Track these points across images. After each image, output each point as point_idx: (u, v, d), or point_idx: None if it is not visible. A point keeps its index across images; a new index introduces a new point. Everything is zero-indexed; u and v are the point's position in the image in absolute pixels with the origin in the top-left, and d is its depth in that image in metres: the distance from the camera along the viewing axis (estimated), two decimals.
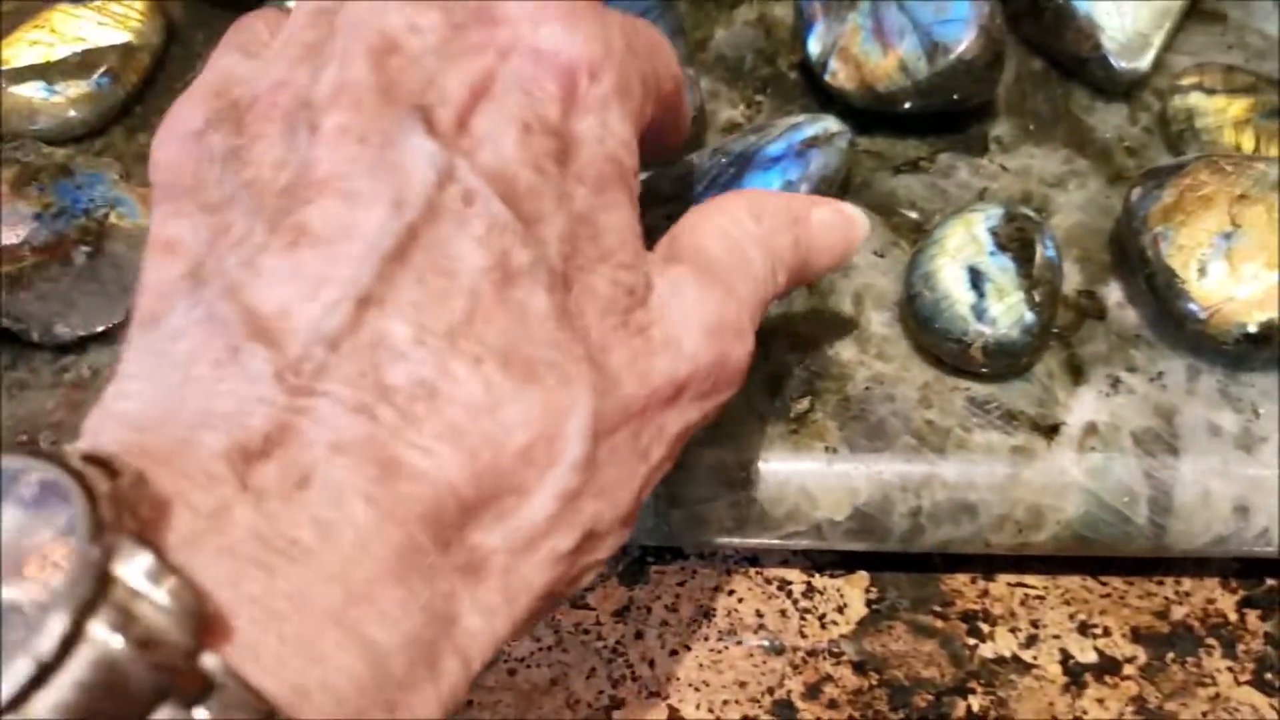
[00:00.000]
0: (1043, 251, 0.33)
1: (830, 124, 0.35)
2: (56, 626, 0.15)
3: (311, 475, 0.19)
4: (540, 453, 0.21)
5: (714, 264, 0.25)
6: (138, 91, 0.42)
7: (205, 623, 0.16)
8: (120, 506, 0.16)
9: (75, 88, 0.41)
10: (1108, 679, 0.31)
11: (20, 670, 0.14)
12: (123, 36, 0.42)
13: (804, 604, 0.33)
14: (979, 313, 0.32)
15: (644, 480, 0.23)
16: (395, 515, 0.19)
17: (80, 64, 0.41)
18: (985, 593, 0.33)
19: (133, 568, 0.16)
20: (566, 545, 0.21)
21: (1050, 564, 0.33)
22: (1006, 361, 0.32)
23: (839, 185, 0.36)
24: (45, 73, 0.41)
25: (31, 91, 0.40)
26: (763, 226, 0.26)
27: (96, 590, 0.15)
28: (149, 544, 0.16)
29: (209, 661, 0.16)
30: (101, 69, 0.41)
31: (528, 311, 0.21)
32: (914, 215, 0.37)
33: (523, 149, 0.22)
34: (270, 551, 0.18)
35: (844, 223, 0.28)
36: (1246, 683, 0.31)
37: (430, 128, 0.22)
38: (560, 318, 0.21)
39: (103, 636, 0.15)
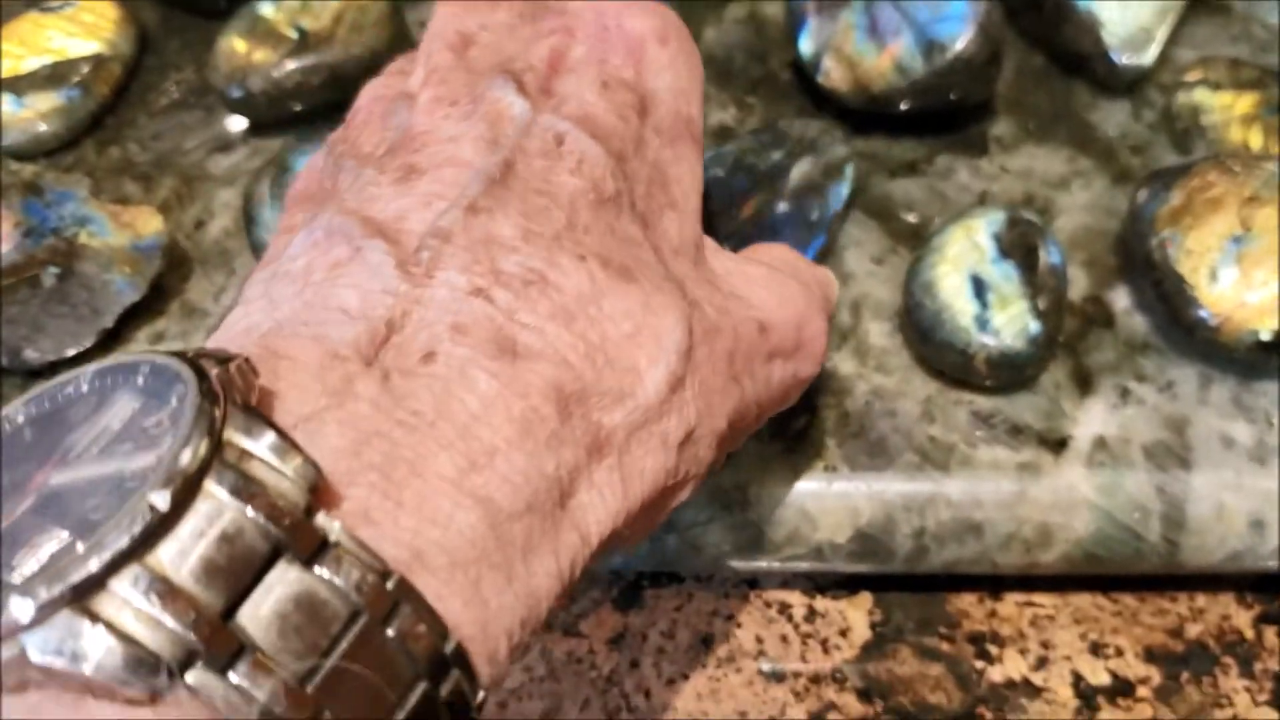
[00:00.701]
0: (1047, 257, 0.32)
1: (839, 150, 0.35)
2: (172, 482, 0.16)
3: (435, 352, 0.20)
4: (647, 338, 0.22)
5: (785, 270, 0.27)
6: (109, 103, 0.41)
7: (320, 484, 0.17)
8: (229, 383, 0.17)
9: (45, 100, 0.40)
10: (1121, 701, 0.30)
11: (140, 519, 0.15)
12: (93, 46, 0.41)
13: (805, 628, 0.32)
14: (982, 323, 0.30)
15: (737, 404, 0.24)
16: (516, 387, 0.20)
17: (50, 76, 0.40)
18: (993, 613, 0.32)
19: (241, 431, 0.17)
20: (676, 435, 0.22)
21: (1060, 581, 0.32)
22: (1011, 373, 0.31)
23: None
24: (14, 85, 0.39)
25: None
26: (806, 265, 0.29)
27: (209, 450, 0.16)
28: (257, 412, 0.17)
29: (323, 521, 0.17)
30: (72, 81, 0.40)
31: (617, 232, 0.23)
32: (912, 219, 0.35)
33: (605, 100, 0.25)
34: (391, 422, 0.19)
35: (832, 284, 0.30)
36: (1265, 702, 0.30)
37: (520, 86, 0.24)
38: (644, 243, 0.23)
39: (217, 492, 0.16)
